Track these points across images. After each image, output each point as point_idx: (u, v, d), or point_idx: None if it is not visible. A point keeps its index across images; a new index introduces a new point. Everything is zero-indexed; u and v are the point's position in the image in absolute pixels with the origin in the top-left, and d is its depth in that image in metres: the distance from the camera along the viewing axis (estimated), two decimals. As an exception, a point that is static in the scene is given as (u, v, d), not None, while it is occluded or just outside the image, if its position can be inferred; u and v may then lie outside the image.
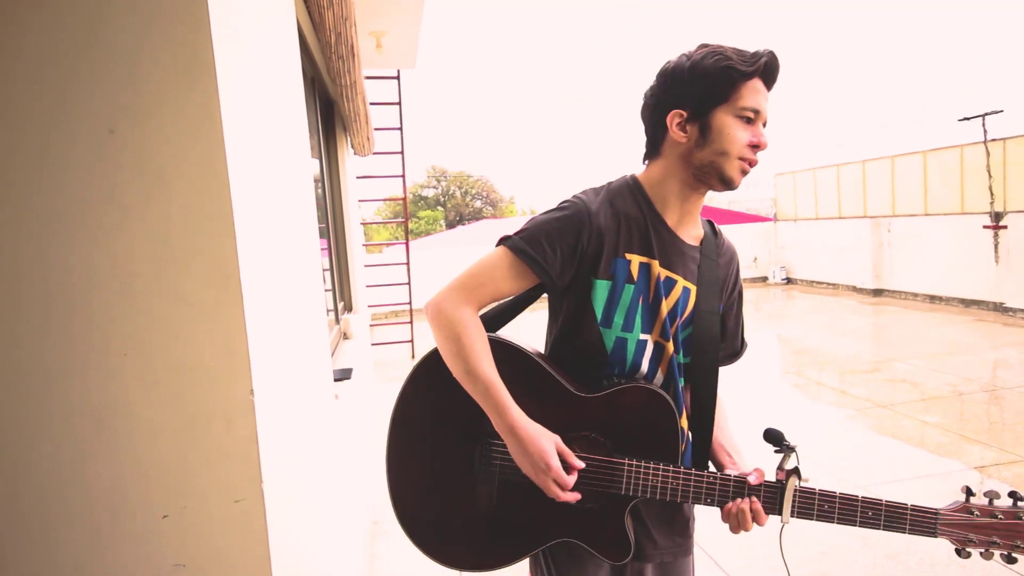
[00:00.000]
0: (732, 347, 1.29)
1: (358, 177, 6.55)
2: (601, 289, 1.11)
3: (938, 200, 9.50)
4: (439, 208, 35.42)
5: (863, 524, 1.07)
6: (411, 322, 7.61)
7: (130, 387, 0.86)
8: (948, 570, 2.53)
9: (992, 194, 8.32)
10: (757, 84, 1.07)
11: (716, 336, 1.17)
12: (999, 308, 8.10)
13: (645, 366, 1.14)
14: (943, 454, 3.70)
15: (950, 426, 4.14)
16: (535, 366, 1.13)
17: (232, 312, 0.89)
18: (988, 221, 8.26)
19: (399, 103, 6.57)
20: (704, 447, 1.17)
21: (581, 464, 1.07)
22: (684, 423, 1.16)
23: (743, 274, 12.99)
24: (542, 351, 1.20)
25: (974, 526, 1.05)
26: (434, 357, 1.15)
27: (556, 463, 1.04)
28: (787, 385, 5.32)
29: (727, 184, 1.09)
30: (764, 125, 1.09)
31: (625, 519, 1.11)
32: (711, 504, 1.11)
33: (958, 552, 1.07)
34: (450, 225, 32.17)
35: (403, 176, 7.13)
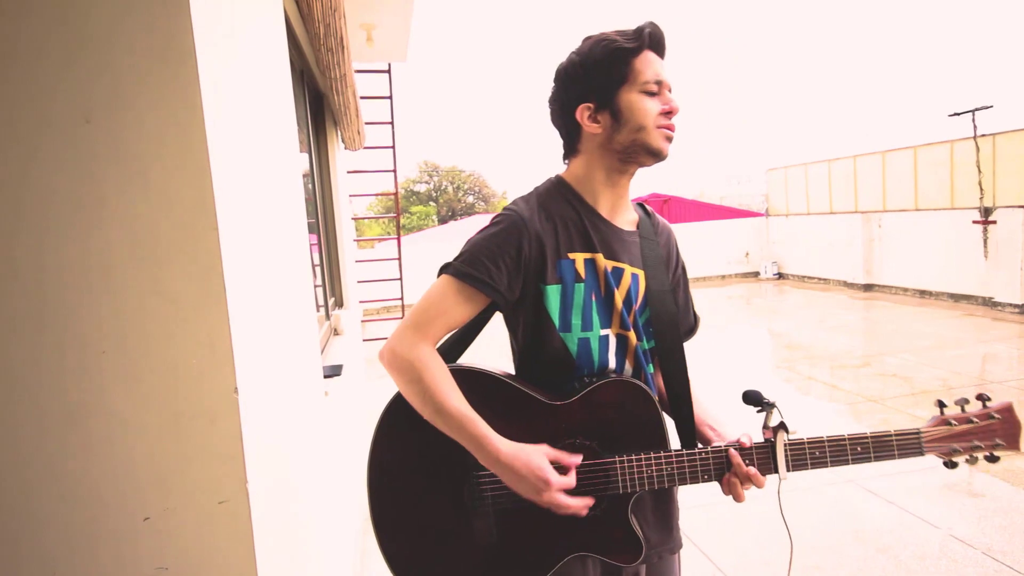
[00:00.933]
0: (686, 323, 1.28)
1: (349, 172, 6.50)
2: (552, 294, 1.10)
3: (928, 195, 9.55)
4: (431, 203, 35.31)
5: (856, 460, 1.08)
6: (402, 317, 7.56)
7: (109, 385, 0.84)
8: (939, 563, 2.54)
9: (982, 189, 8.36)
10: (648, 56, 1.09)
11: (674, 313, 1.18)
12: (988, 303, 8.15)
13: (613, 361, 1.13)
14: (934, 448, 3.73)
15: (940, 420, 4.16)
16: (503, 385, 1.10)
17: (215, 308, 0.86)
18: (978, 216, 8.31)
19: (390, 97, 6.52)
20: (688, 426, 1.16)
21: (577, 460, 1.05)
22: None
23: (735, 270, 12.97)
24: (511, 373, 1.16)
25: (954, 435, 1.10)
26: (399, 402, 1.10)
27: (555, 476, 1.01)
28: (779, 380, 5.33)
29: (656, 155, 1.10)
30: (670, 91, 1.11)
31: (629, 517, 1.10)
32: (708, 480, 1.10)
33: (946, 464, 1.11)
34: (442, 220, 32.06)
35: (394, 171, 7.08)
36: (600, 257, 1.12)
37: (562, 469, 1.04)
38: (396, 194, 7.37)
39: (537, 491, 1.01)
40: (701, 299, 10.67)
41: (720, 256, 12.74)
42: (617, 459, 1.08)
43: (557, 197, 1.14)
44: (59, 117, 0.79)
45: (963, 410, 1.11)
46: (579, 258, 1.11)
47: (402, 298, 7.84)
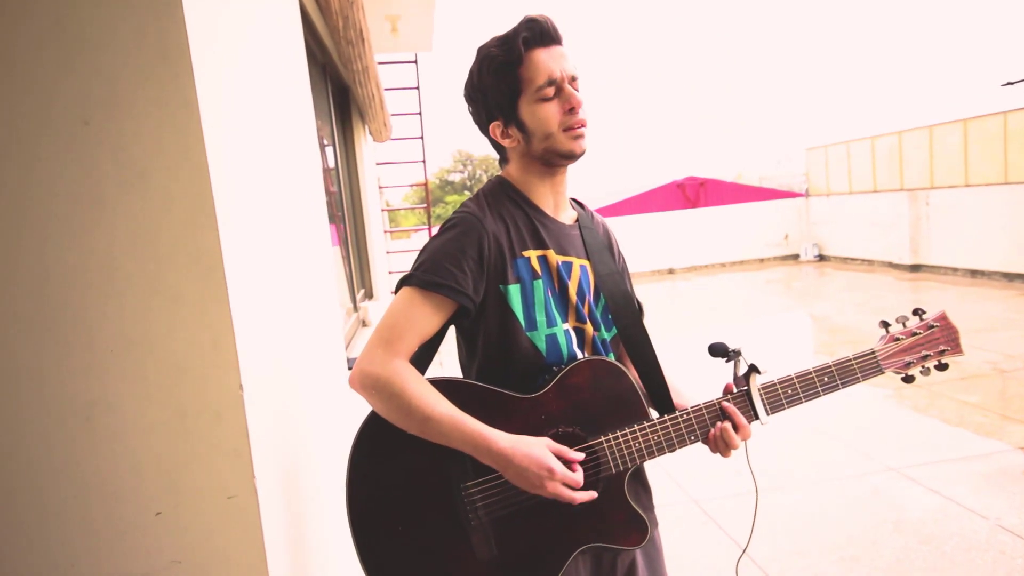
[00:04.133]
0: None
1: (378, 163, 6.55)
2: (515, 294, 1.08)
3: (980, 170, 9.11)
4: (466, 192, 35.41)
5: (825, 391, 1.13)
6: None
7: (118, 384, 0.85)
8: (986, 555, 2.43)
9: (1038, 162, 7.95)
10: (535, 58, 1.07)
11: (626, 292, 1.19)
12: (1045, 281, 7.77)
13: (579, 354, 1.13)
14: (984, 434, 3.57)
15: (991, 405, 3.98)
16: (475, 389, 1.07)
17: (217, 305, 0.86)
18: (1033, 191, 7.90)
19: (417, 88, 6.53)
20: (663, 395, 1.15)
21: (580, 455, 1.03)
22: None
23: (773, 252, 12.66)
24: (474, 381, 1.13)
25: (905, 349, 1.17)
26: (367, 435, 1.06)
27: (559, 465, 0.99)
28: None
29: (568, 157, 1.10)
30: (574, 80, 1.09)
31: (626, 496, 1.09)
32: (695, 441, 1.11)
33: (904, 379, 1.17)
34: (476, 209, 32.03)
35: (423, 161, 7.11)
36: (551, 253, 1.12)
37: (564, 464, 1.02)
38: (426, 184, 7.40)
39: (540, 481, 0.98)
40: (739, 283, 10.45)
41: (758, 239, 12.44)
42: (603, 439, 1.07)
43: (503, 197, 1.14)
44: (58, 120, 0.80)
45: (905, 326, 1.18)
46: (533, 255, 1.11)
47: (435, 288, 7.86)
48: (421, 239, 11.85)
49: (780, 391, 1.12)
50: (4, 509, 0.84)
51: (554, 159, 1.11)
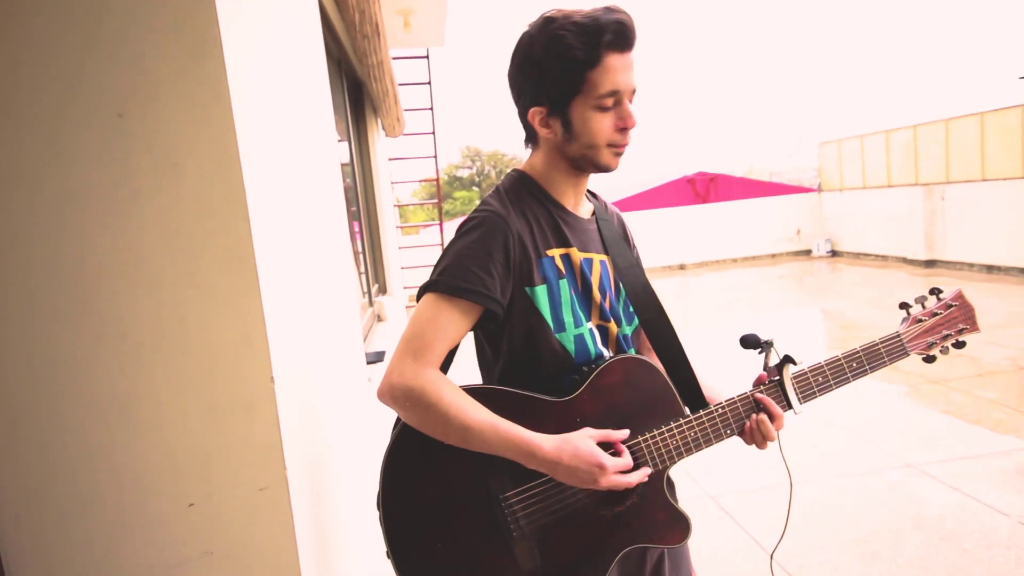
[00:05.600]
0: None
1: (390, 159, 6.55)
2: (541, 295, 1.05)
3: (997, 164, 8.99)
4: (474, 188, 35.41)
5: (855, 376, 1.13)
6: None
7: (151, 376, 0.86)
8: (1008, 552, 2.41)
9: (1056, 156, 7.83)
10: (608, 63, 0.98)
11: (646, 284, 1.15)
12: (1063, 277, 7.67)
13: (605, 352, 1.11)
14: (1003, 431, 3.53)
15: (1009, 402, 3.94)
16: (505, 395, 1.04)
17: (248, 298, 0.87)
18: (1052, 185, 7.79)
19: (429, 83, 6.52)
20: (691, 388, 1.12)
21: (623, 434, 1.02)
22: None
23: (785, 248, 12.52)
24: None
25: (927, 330, 1.19)
26: (399, 451, 1.02)
27: (607, 458, 0.97)
28: (833, 361, 5.15)
29: (603, 170, 1.07)
30: (632, 96, 1.03)
31: (666, 494, 1.08)
32: (731, 435, 1.10)
33: (925, 359, 1.19)
34: (485, 205, 32.05)
35: (435, 156, 7.10)
36: (574, 251, 1.09)
37: (608, 448, 1.01)
38: (437, 179, 7.40)
39: (593, 478, 0.96)
40: (750, 278, 10.39)
41: (770, 234, 12.35)
42: (641, 439, 1.05)
43: (524, 194, 1.09)
44: (93, 113, 0.80)
45: (924, 306, 1.21)
46: (556, 254, 1.07)
47: (446, 283, 7.87)
48: (430, 235, 11.87)
49: (811, 379, 1.11)
50: (41, 500, 0.85)
51: (587, 167, 1.07)
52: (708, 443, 1.08)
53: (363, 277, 3.21)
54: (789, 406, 1.10)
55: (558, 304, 1.06)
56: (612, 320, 1.12)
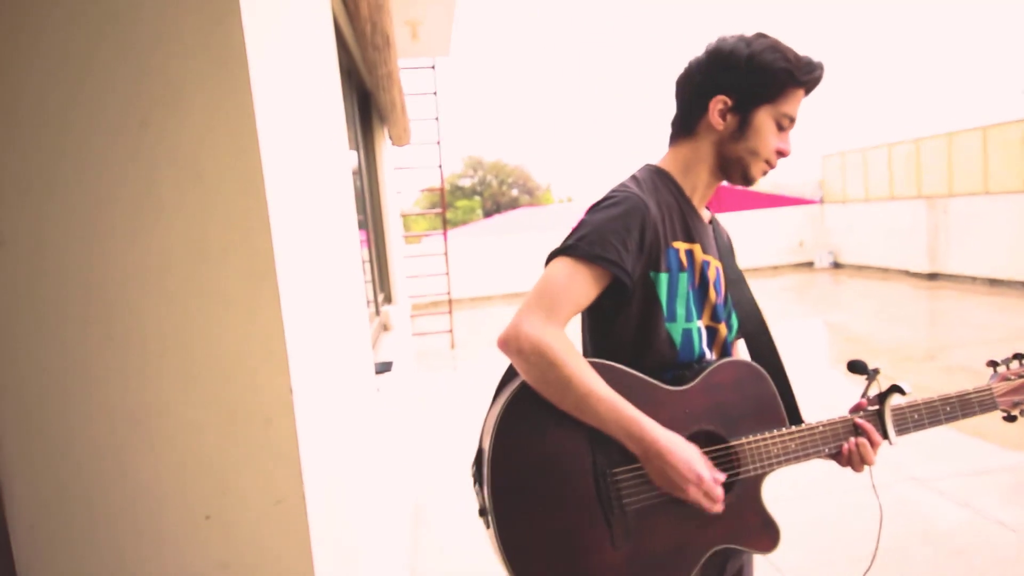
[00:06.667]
0: None
1: (396, 168, 6.57)
2: (663, 282, 1.07)
3: (1000, 178, 9.01)
4: (476, 197, 35.49)
5: (947, 419, 1.18)
6: (450, 312, 7.64)
7: (168, 386, 0.85)
8: (1018, 568, 2.39)
9: (1059, 170, 7.84)
10: (800, 93, 1.09)
11: (751, 298, 1.19)
12: (1067, 291, 7.66)
13: (708, 353, 1.14)
14: (1008, 446, 3.51)
15: (1016, 417, 3.93)
16: (624, 374, 1.04)
17: (269, 309, 0.86)
18: (1055, 199, 7.80)
19: (435, 93, 6.56)
20: (791, 407, 1.15)
21: (722, 477, 1.02)
22: None
23: (787, 259, 12.60)
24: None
25: (1015, 389, 1.24)
26: (515, 408, 1.01)
27: (707, 472, 0.98)
28: (837, 374, 5.14)
29: (747, 182, 1.12)
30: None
31: (762, 501, 1.09)
32: (826, 454, 1.13)
33: (1006, 418, 1.24)
34: (487, 214, 32.19)
35: (440, 166, 7.13)
36: (698, 248, 1.13)
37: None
38: (442, 189, 7.42)
39: (685, 484, 0.97)
40: (753, 290, 10.38)
41: (772, 245, 12.36)
42: (744, 441, 1.06)
43: (659, 184, 1.13)
44: (118, 122, 0.80)
45: (1008, 367, 1.27)
46: (681, 248, 1.11)
47: (449, 292, 7.90)
48: (433, 244, 11.88)
49: (908, 414, 1.16)
50: (56, 511, 0.84)
51: (732, 172, 1.12)
52: (806, 457, 1.11)
53: (369, 286, 3.21)
54: (885, 436, 1.14)
55: (675, 295, 1.09)
56: (723, 322, 1.16)
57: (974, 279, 9.11)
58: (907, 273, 10.24)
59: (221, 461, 0.88)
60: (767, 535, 1.09)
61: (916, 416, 1.16)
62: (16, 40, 0.77)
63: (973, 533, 2.66)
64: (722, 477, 1.01)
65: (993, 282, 8.78)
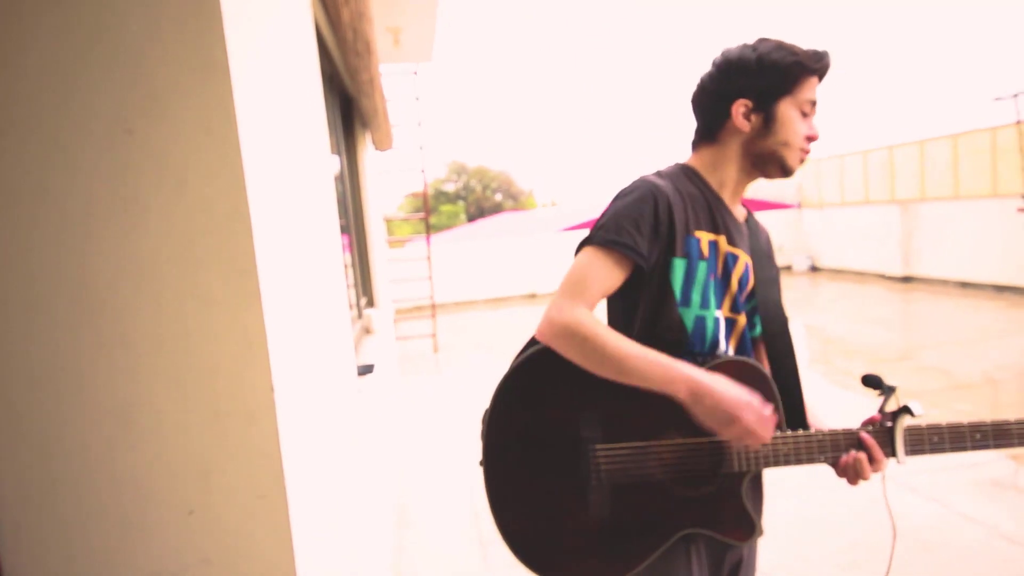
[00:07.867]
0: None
1: (379, 173, 6.57)
2: (679, 267, 1.12)
3: (969, 183, 9.25)
4: (460, 202, 35.47)
5: (975, 446, 1.14)
6: (433, 316, 7.64)
7: (153, 385, 0.87)
8: (983, 561, 2.47)
9: (1026, 176, 8.06)
10: (815, 80, 1.14)
11: (779, 301, 1.21)
12: (1035, 293, 7.87)
13: (722, 342, 1.16)
14: (977, 444, 3.62)
15: (982, 414, 4.03)
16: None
17: (250, 309, 0.89)
18: (1022, 204, 8.02)
19: (418, 98, 6.59)
20: (798, 412, 1.17)
21: (770, 407, 1.06)
22: None
23: (768, 263, 12.80)
24: None
25: None
26: (514, 377, 1.12)
27: (755, 399, 1.02)
28: (816, 375, 5.23)
29: (786, 172, 1.15)
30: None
31: (743, 496, 1.12)
32: (823, 461, 1.14)
33: None
34: (471, 219, 32.17)
35: (423, 171, 7.15)
36: (723, 240, 1.16)
37: None
38: (425, 193, 7.43)
39: (738, 409, 1.01)
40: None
41: (752, 250, 12.51)
42: None
43: (683, 178, 1.17)
44: (103, 129, 0.83)
45: None
46: (704, 237, 1.14)
47: (432, 297, 7.90)
48: (416, 249, 11.87)
49: (925, 436, 1.13)
50: (43, 506, 0.86)
51: (770, 165, 1.15)
52: (799, 461, 1.12)
53: (352, 290, 3.23)
54: (893, 454, 1.13)
55: (691, 282, 1.13)
56: (742, 315, 1.18)
57: (945, 282, 9.32)
58: (882, 276, 10.44)
59: (204, 457, 0.90)
60: (740, 527, 1.12)
61: (936, 439, 1.13)
62: (3, 50, 0.80)
63: (943, 528, 2.74)
64: (770, 407, 1.05)
65: (964, 284, 8.99)
